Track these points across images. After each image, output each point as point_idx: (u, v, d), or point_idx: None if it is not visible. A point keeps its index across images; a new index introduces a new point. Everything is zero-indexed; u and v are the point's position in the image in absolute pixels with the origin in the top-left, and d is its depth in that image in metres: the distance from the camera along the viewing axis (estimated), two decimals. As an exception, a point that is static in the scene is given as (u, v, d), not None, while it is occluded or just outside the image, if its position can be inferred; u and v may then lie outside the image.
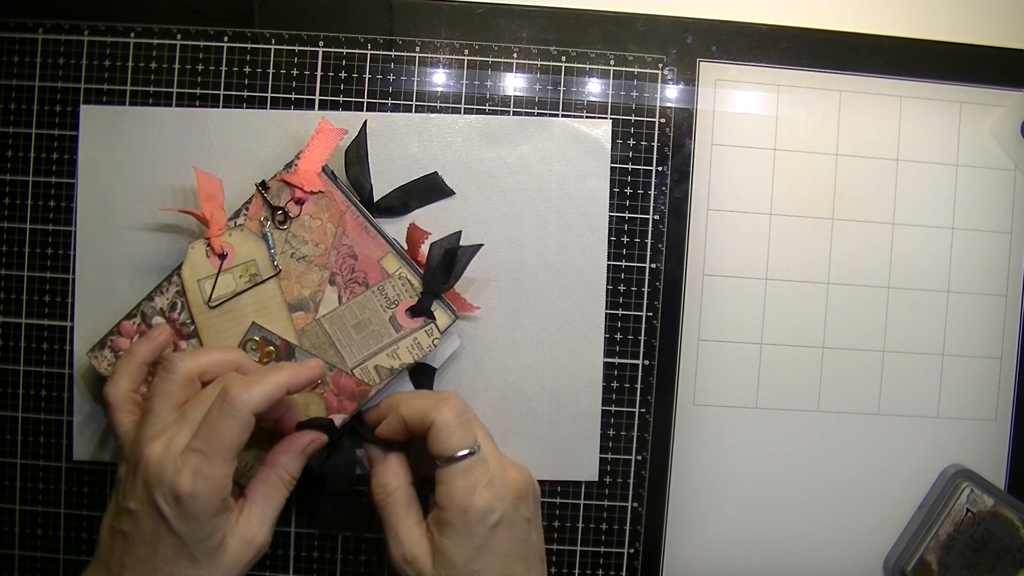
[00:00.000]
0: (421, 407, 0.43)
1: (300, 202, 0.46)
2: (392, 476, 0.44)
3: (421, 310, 0.46)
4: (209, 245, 0.45)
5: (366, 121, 0.48)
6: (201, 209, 0.45)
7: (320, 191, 0.46)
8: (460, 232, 0.46)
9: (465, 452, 0.42)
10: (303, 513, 0.50)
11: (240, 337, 0.46)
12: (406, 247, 0.47)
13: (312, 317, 0.46)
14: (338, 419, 0.46)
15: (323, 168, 0.46)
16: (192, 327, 0.45)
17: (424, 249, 0.46)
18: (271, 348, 0.46)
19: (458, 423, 0.42)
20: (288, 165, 0.46)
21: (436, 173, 0.49)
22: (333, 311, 0.46)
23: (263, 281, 0.46)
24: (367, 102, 0.50)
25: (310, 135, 0.46)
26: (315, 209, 0.46)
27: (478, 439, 0.43)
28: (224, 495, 0.39)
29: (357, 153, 0.48)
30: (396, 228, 0.49)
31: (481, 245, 0.47)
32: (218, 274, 0.45)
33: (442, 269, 0.46)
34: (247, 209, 0.46)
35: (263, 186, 0.45)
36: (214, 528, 0.39)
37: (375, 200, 0.48)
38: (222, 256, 0.45)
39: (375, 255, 0.46)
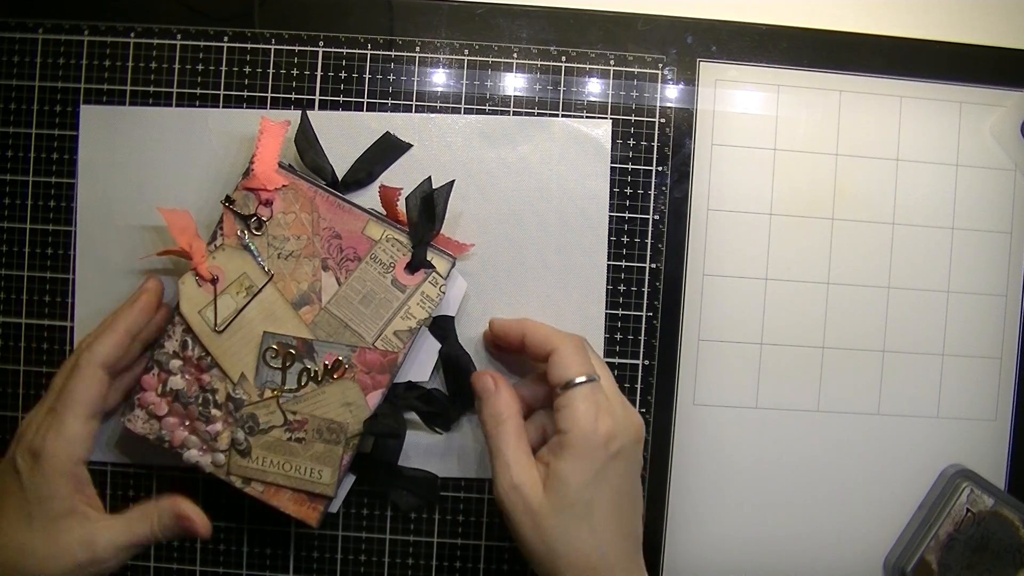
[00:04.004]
0: (545, 332, 0.44)
1: (268, 203, 0.46)
2: (504, 405, 0.43)
3: (418, 263, 0.46)
4: (198, 275, 0.45)
5: (304, 109, 0.48)
6: (178, 244, 0.45)
7: (283, 185, 0.46)
8: (430, 177, 0.46)
9: (585, 379, 0.42)
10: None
11: (256, 351, 0.46)
12: (384, 212, 0.47)
13: (318, 307, 0.46)
14: (375, 395, 0.46)
15: (279, 164, 0.46)
16: (208, 357, 0.46)
17: (401, 206, 0.46)
18: (292, 351, 0.46)
19: (579, 352, 0.43)
20: (245, 172, 0.46)
21: (388, 133, 0.49)
22: (336, 294, 0.46)
23: (260, 290, 0.46)
24: (367, 102, 0.50)
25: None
26: (285, 204, 0.46)
27: (598, 372, 0.43)
28: (77, 457, 0.41)
29: (307, 139, 0.47)
30: (370, 198, 0.49)
31: (453, 181, 0.47)
32: (215, 299, 0.45)
33: (424, 217, 0.46)
34: (221, 228, 0.46)
35: (228, 201, 0.45)
36: (60, 492, 0.41)
37: (340, 179, 0.48)
38: (214, 281, 0.45)
39: (357, 227, 0.46)
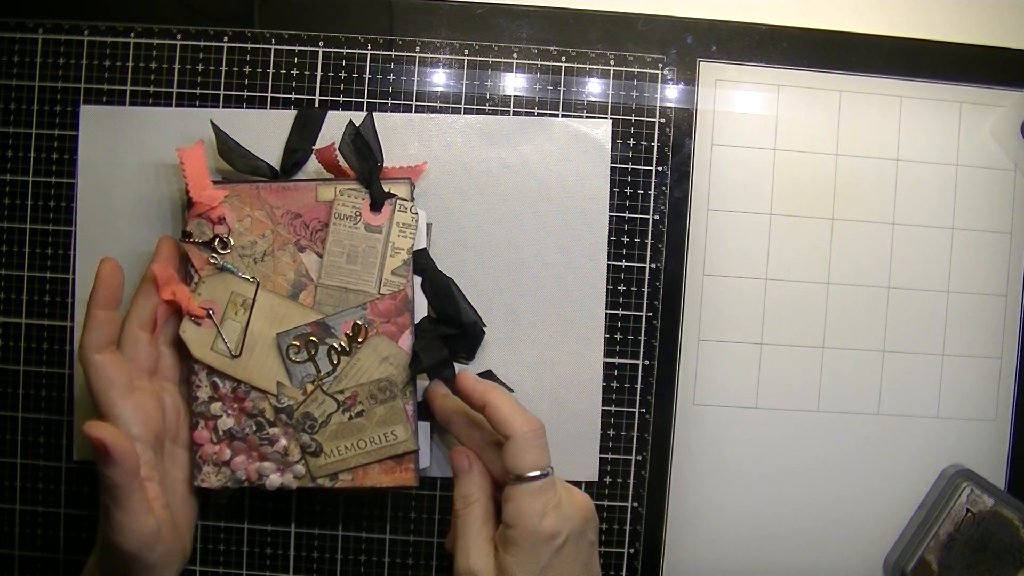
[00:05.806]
0: (504, 414, 0.43)
1: (221, 220, 0.46)
2: (475, 487, 0.44)
3: (378, 198, 0.46)
4: (192, 316, 0.45)
5: (212, 120, 0.48)
6: (163, 296, 0.45)
7: (225, 197, 0.46)
8: (351, 120, 0.47)
9: (538, 473, 0.42)
10: (303, 512, 0.51)
11: (279, 356, 0.46)
12: (332, 175, 0.47)
13: (313, 287, 0.46)
14: (406, 337, 0.46)
15: (212, 182, 0.46)
16: (240, 385, 0.46)
17: (342, 161, 0.47)
18: (311, 338, 0.46)
19: (536, 443, 0.42)
20: (186, 206, 0.46)
21: (301, 107, 0.49)
22: (323, 267, 0.46)
23: (254, 300, 0.46)
24: (367, 102, 0.50)
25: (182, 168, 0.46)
26: (236, 213, 0.46)
27: (550, 462, 0.43)
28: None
29: (227, 147, 0.47)
30: (315, 174, 0.49)
31: (372, 112, 0.47)
32: (219, 330, 0.46)
33: (363, 155, 0.46)
34: (192, 265, 0.46)
35: (186, 236, 0.46)
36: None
37: (280, 168, 0.48)
38: (210, 315, 0.46)
39: (309, 198, 0.46)
